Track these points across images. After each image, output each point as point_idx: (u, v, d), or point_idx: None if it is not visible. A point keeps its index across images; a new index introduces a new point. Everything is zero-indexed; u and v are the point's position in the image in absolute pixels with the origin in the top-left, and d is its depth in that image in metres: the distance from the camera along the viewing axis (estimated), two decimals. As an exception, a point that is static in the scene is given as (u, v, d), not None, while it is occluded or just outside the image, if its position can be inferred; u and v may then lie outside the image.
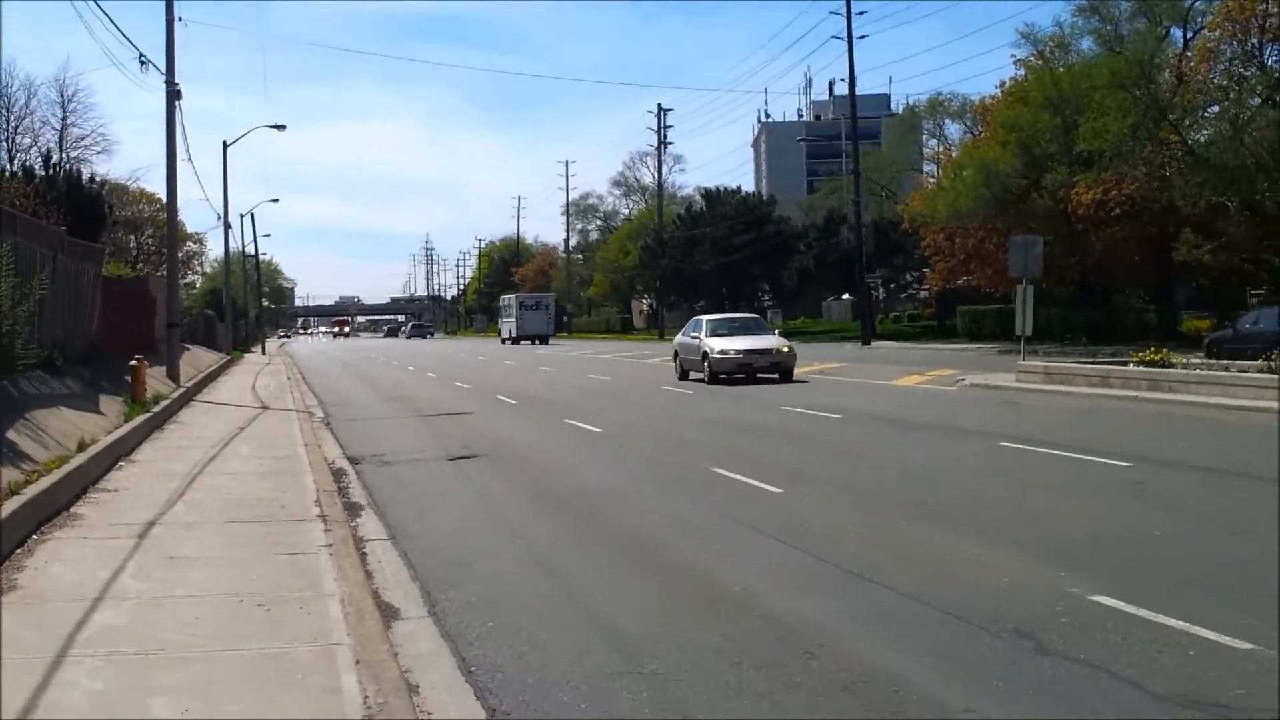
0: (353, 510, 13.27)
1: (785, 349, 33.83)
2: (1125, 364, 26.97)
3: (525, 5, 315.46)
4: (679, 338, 38.36)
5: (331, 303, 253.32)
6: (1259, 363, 23.86)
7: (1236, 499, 12.77)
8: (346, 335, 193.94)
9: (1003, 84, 63.02)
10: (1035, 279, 33.70)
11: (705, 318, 37.54)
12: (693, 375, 35.15)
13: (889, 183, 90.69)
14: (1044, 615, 7.95)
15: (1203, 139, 49.64)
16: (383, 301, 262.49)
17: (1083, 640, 7.42)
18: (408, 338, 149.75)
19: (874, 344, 63.63)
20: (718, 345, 33.51)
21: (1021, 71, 60.61)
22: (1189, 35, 53.22)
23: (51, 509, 11.94)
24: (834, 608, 8.44)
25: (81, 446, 15.53)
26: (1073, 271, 56.72)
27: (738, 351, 33.09)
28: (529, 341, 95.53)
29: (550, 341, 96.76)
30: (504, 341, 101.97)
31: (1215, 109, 50.41)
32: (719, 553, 10.50)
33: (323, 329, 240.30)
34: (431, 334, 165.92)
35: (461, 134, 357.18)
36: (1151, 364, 25.68)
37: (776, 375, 33.07)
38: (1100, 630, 7.62)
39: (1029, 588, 8.75)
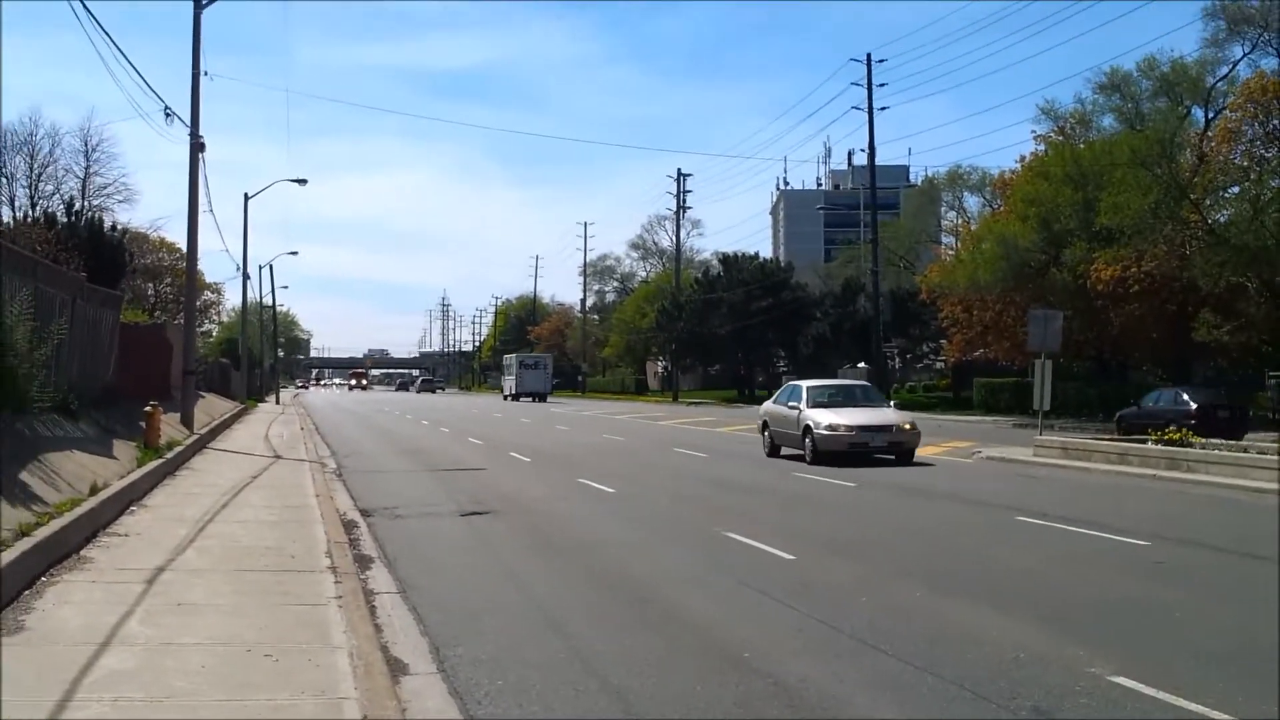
0: (363, 562, 13.19)
1: (907, 425, 28.14)
2: (1144, 441, 26.83)
3: (547, 65, 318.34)
4: (769, 406, 32.17)
5: (351, 355, 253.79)
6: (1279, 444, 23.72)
7: (1256, 582, 12.61)
8: (364, 388, 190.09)
9: (1023, 159, 63.34)
10: (1053, 353, 33.64)
11: (805, 384, 31.39)
12: (786, 451, 29.73)
13: (906, 253, 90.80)
14: (1062, 694, 7.84)
15: (1223, 219, 49.71)
16: (408, 355, 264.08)
17: (1101, 721, 7.32)
18: (417, 392, 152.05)
19: (889, 413, 63.39)
20: (824, 419, 27.77)
21: (1042, 147, 60.88)
22: (1210, 115, 53.38)
23: (61, 551, 11.88)
24: (847, 676, 8.33)
25: (93, 490, 15.50)
26: (1090, 347, 56.67)
27: (849, 428, 27.42)
28: (528, 398, 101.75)
29: (548, 399, 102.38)
30: (506, 398, 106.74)
31: (1236, 189, 50.50)
32: (729, 616, 10.40)
33: (337, 381, 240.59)
34: (442, 389, 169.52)
35: (481, 190, 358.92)
36: (1170, 443, 25.54)
37: (893, 456, 27.80)
38: (1119, 712, 7.51)
39: (1046, 664, 8.63)
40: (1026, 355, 49.04)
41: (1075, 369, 59.94)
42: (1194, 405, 38.67)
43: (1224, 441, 27.40)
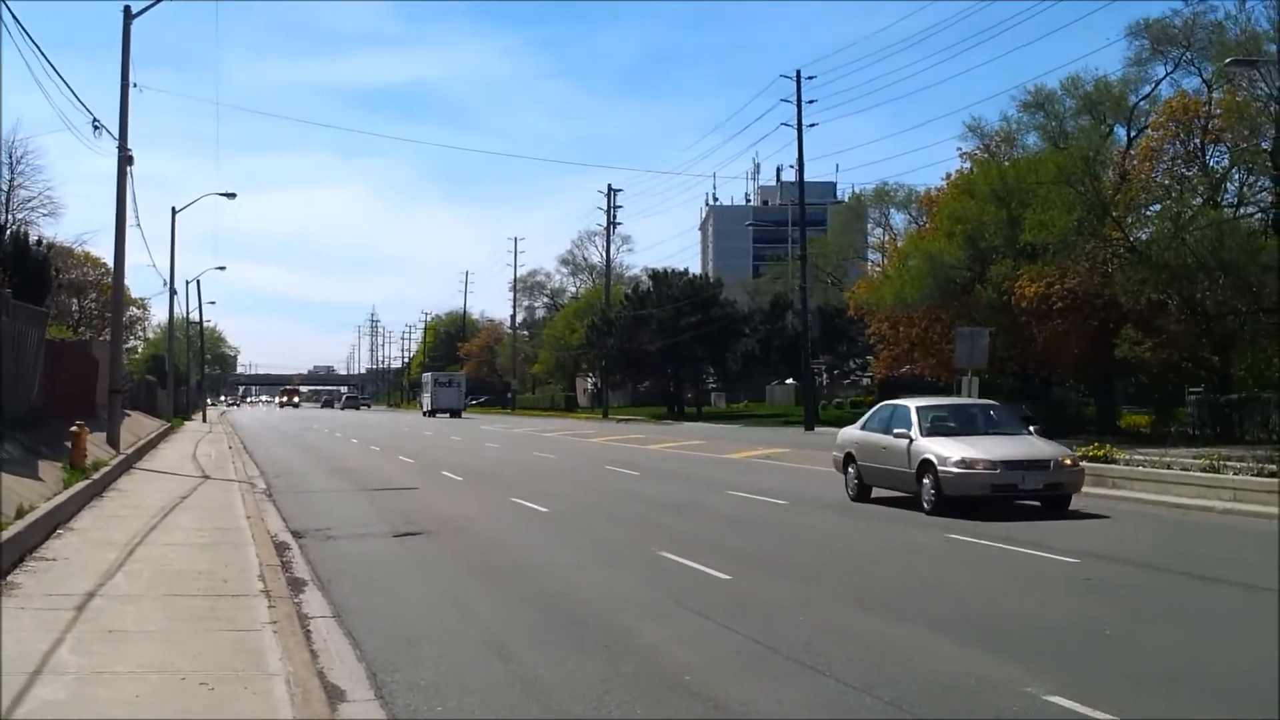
0: (296, 586, 13.07)
1: (1068, 462, 21.34)
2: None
3: (480, 83, 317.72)
4: (854, 433, 24.67)
5: (285, 371, 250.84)
6: (1203, 462, 24.10)
7: (1185, 598, 12.84)
8: (296, 405, 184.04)
9: (949, 176, 63.84)
10: (980, 369, 34.01)
11: (913, 404, 23.63)
12: (880, 494, 23.26)
13: (834, 270, 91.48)
14: (999, 714, 7.92)
15: (1145, 236, 50.47)
16: (345, 373, 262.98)
17: (1038, 740, 7.40)
18: (341, 408, 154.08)
19: (817, 429, 63.75)
20: (953, 452, 20.70)
21: (968, 164, 61.42)
22: (1133, 134, 54.20)
23: (-12, 577, 11.69)
24: (785, 698, 8.37)
25: (19, 513, 15.24)
26: (1014, 363, 57.24)
27: (991, 464, 20.46)
28: (444, 414, 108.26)
29: (462, 414, 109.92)
30: (424, 414, 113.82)
31: (1157, 207, 51.30)
32: (668, 637, 10.42)
33: (264, 398, 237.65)
34: (366, 405, 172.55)
35: (412, 206, 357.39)
36: (1094, 459, 25.86)
37: (1040, 504, 21.14)
38: (1055, 730, 7.59)
39: (983, 685, 8.71)
40: (953, 371, 49.38)
41: (1000, 385, 60.54)
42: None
43: (1146, 456, 27.84)
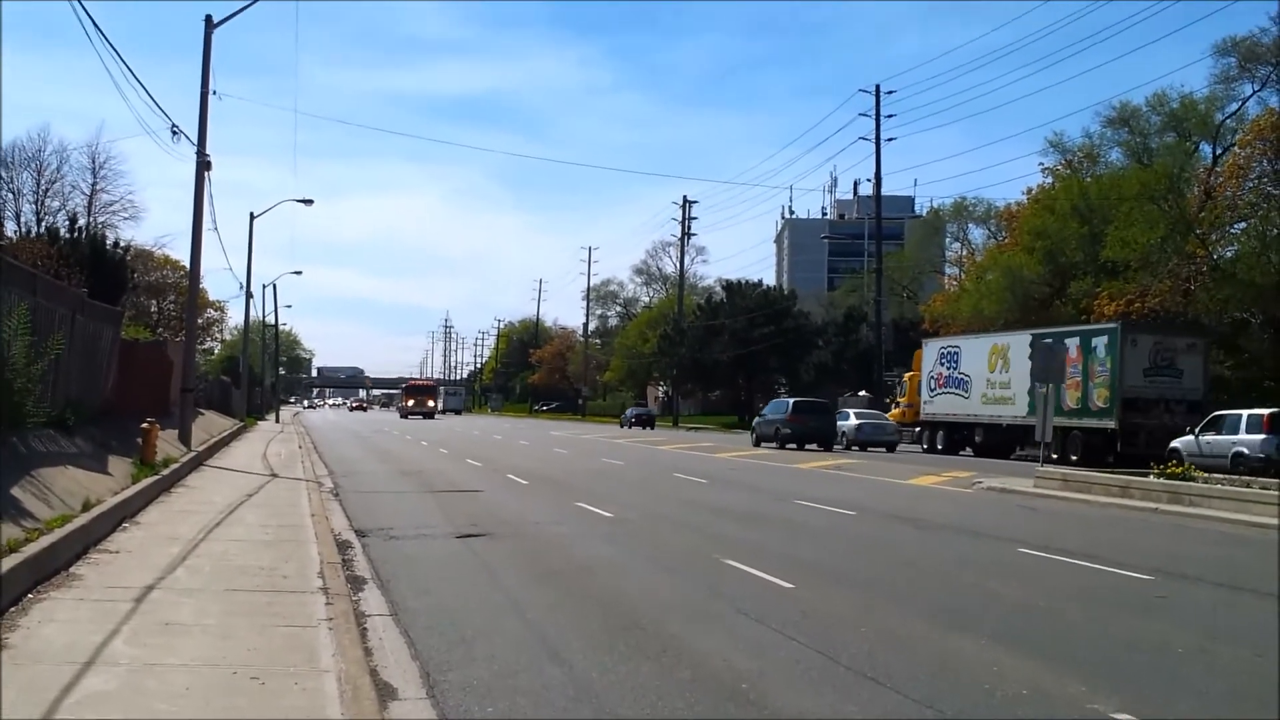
0: (356, 584, 13.03)
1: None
2: (1146, 475, 26.65)
3: (555, 92, 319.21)
4: None
5: (368, 375, 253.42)
6: (1281, 480, 23.59)
7: (1260, 618, 12.45)
8: (427, 413, 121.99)
9: (1029, 191, 63.31)
10: (1057, 385, 33.53)
11: None
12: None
13: (910, 283, 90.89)
14: (1063, 729, 7.67)
15: (1229, 254, 49.66)
16: (425, 375, 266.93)
17: (1104, 759, 7.14)
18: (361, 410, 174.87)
19: (890, 443, 63.27)
20: None
21: (1049, 179, 60.87)
22: (1218, 151, 53.39)
23: (51, 568, 11.73)
24: (844, 710, 8.17)
25: (86, 506, 15.35)
26: (1092, 380, 56.52)
27: None
28: (451, 413, 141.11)
29: (461, 414, 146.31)
30: (439, 413, 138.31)
31: (1242, 225, 50.46)
32: (727, 646, 10.22)
33: (330, 401, 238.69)
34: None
35: (487, 214, 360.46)
36: (1173, 476, 25.38)
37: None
38: (1122, 749, 7.34)
39: (1047, 701, 8.46)
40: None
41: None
42: (634, 413, 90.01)
43: (1226, 476, 27.34)
